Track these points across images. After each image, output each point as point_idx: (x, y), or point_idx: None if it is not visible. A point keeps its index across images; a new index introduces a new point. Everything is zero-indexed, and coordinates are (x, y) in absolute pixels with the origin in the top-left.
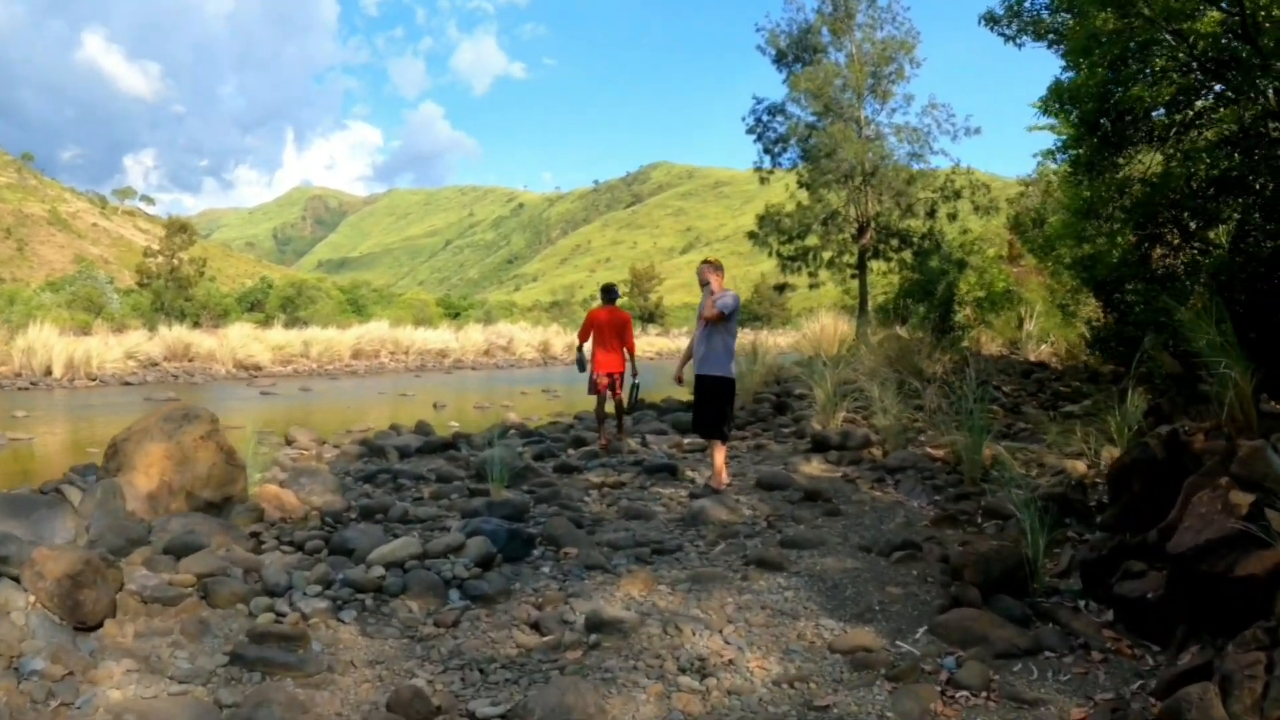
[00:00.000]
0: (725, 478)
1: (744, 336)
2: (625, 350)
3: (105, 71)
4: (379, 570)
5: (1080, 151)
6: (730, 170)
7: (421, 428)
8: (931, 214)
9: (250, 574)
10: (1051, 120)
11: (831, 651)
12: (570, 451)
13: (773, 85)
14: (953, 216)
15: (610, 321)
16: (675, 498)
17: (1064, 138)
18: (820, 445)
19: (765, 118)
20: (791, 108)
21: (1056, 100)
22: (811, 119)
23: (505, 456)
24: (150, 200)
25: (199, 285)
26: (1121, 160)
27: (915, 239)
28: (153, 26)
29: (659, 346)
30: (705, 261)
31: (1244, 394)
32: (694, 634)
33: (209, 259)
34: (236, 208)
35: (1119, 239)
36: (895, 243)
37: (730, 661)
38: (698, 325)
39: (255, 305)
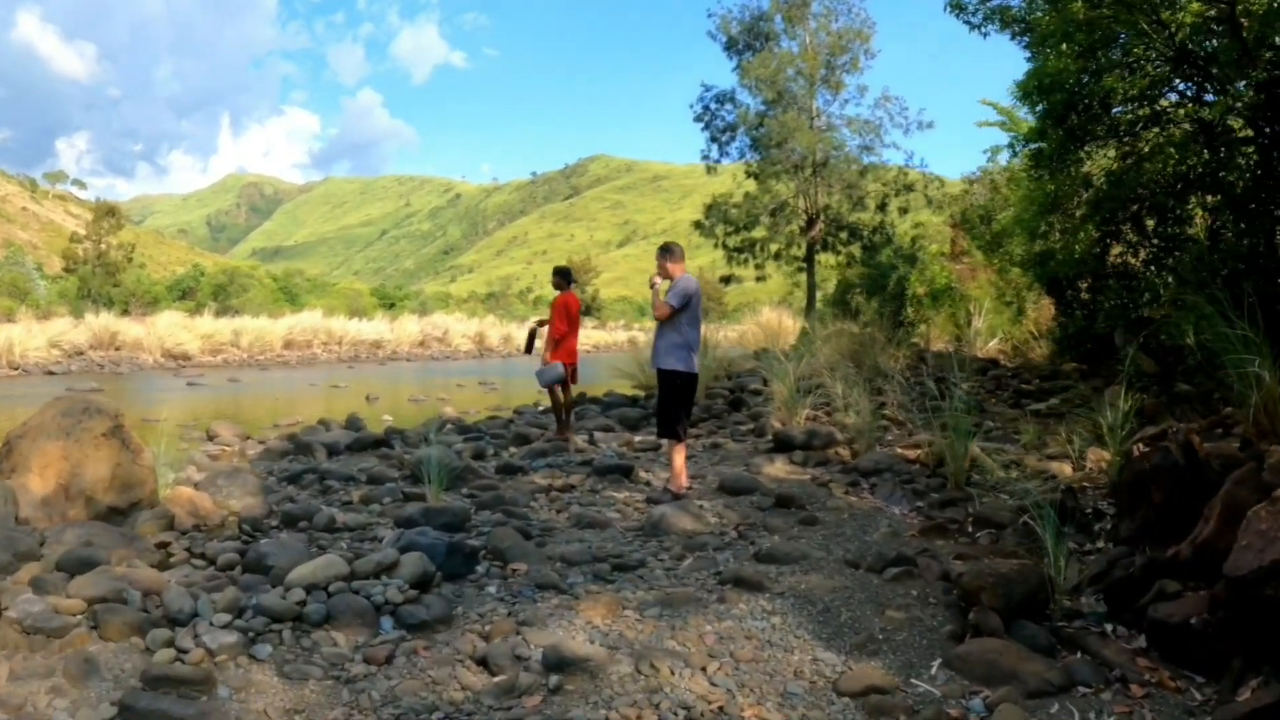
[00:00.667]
0: (685, 480)
1: None
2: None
3: (39, 52)
4: (299, 594)
5: (1044, 145)
6: (669, 164)
7: (352, 422)
8: (882, 207)
9: (151, 597)
10: (1001, 118)
11: (838, 694)
12: (512, 450)
13: (721, 74)
14: (904, 210)
15: (578, 310)
16: (632, 502)
17: (1015, 134)
18: (784, 445)
19: (713, 106)
20: (742, 95)
21: (1036, 88)
22: (762, 108)
23: (442, 456)
24: (82, 184)
25: (128, 272)
26: (1083, 155)
27: (865, 233)
28: (89, 7)
29: (596, 339)
30: (661, 250)
31: (1274, 394)
32: (673, 673)
33: (141, 246)
34: (170, 194)
35: (1080, 235)
36: (845, 236)
37: (721, 710)
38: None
39: (187, 293)
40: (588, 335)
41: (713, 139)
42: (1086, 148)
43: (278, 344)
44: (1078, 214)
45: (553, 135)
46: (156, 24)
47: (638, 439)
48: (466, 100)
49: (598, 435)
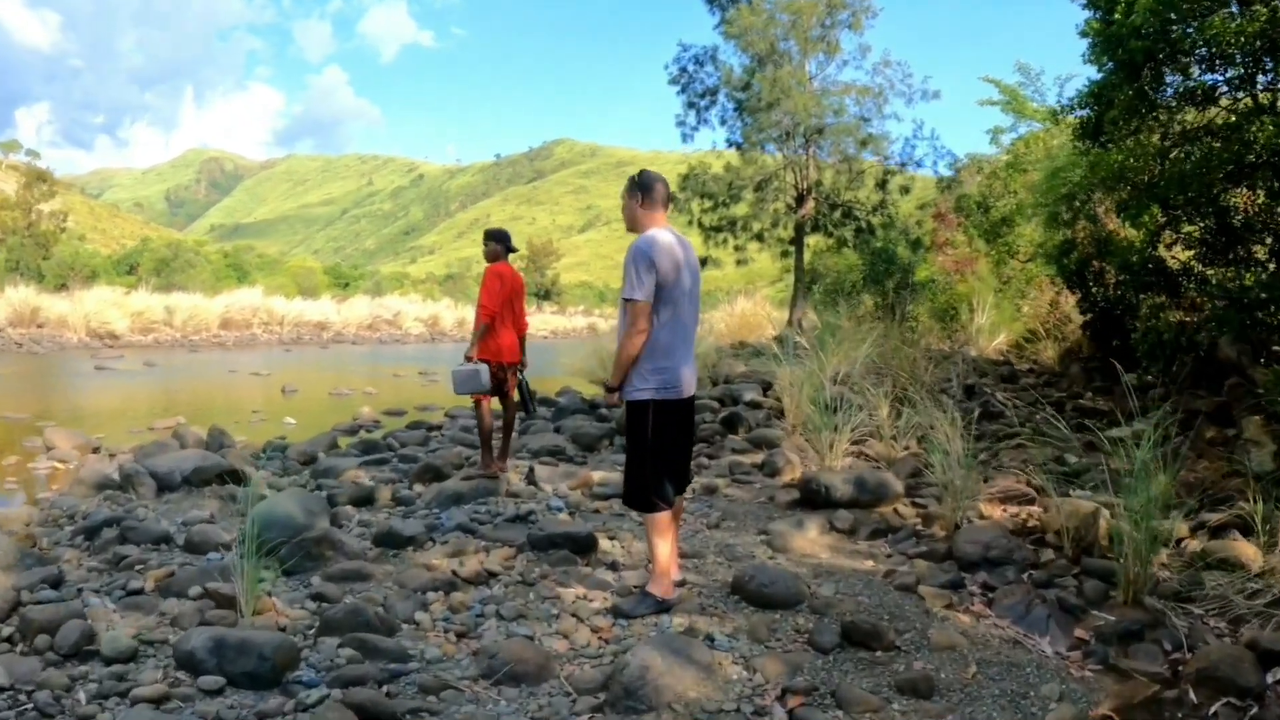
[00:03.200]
0: (675, 574)
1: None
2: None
3: (1, 20)
4: None
5: (1091, 112)
6: (633, 150)
7: (213, 438)
8: (882, 185)
9: None
10: (1004, 97)
11: None
12: (418, 487)
13: (700, 34)
14: (906, 190)
15: (517, 287)
16: (587, 613)
17: (1018, 115)
18: (816, 498)
19: (691, 68)
20: (725, 54)
21: (1105, 38)
22: (748, 63)
23: (291, 513)
24: (36, 155)
25: (65, 244)
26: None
27: (863, 213)
28: None
29: (554, 325)
30: (632, 185)
31: None
32: None
33: (95, 219)
34: (130, 168)
35: (1145, 218)
36: (838, 215)
37: None
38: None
39: (133, 269)
40: (544, 320)
41: (690, 104)
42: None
43: (214, 324)
44: (1156, 192)
45: (518, 118)
46: None
47: (598, 476)
48: (433, 80)
49: (540, 468)
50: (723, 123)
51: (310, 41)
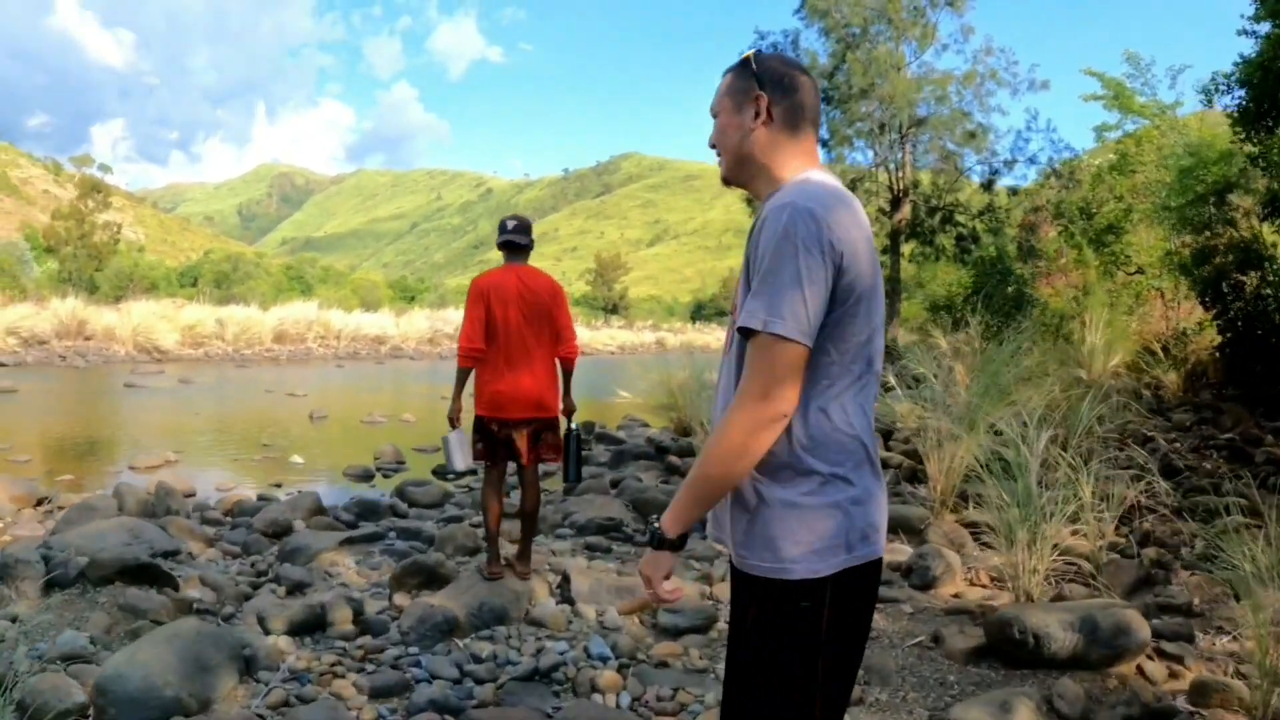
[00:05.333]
0: None
1: (709, 337)
2: (556, 359)
3: (77, 39)
4: None
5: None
6: (701, 164)
7: (160, 497)
8: (988, 185)
9: None
10: (1109, 91)
11: None
12: (399, 598)
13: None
14: (1014, 191)
15: (525, 298)
16: None
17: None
18: (1016, 651)
19: None
20: (807, 41)
21: None
22: (833, 50)
23: (158, 676)
24: (108, 169)
25: (124, 255)
26: None
27: (967, 220)
28: None
29: (621, 340)
30: (740, 70)
31: None
32: None
33: (165, 232)
34: (203, 182)
35: None
36: (936, 220)
37: None
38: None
39: (196, 281)
40: (610, 335)
41: None
42: None
43: (267, 337)
44: None
45: (586, 132)
46: (193, 12)
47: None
48: (501, 95)
49: (580, 575)
50: None
51: (380, 58)
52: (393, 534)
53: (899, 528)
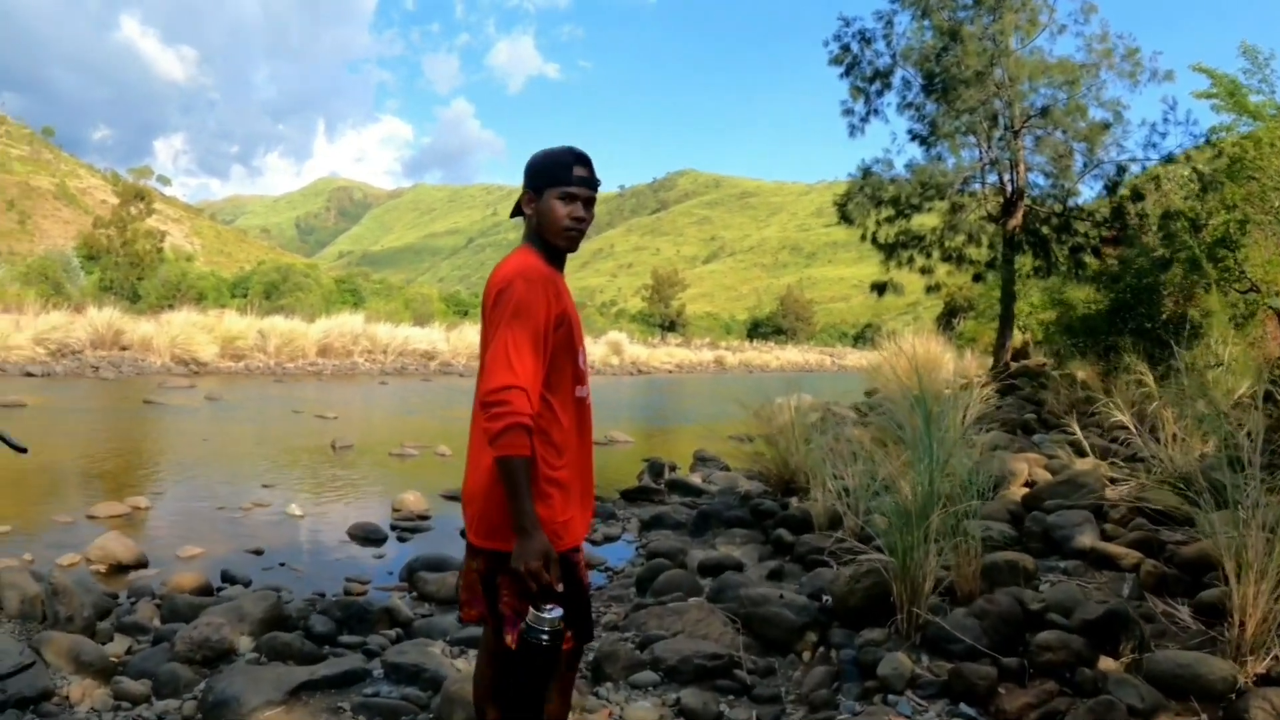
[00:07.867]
0: None
1: (767, 356)
2: None
3: (141, 54)
4: None
5: None
6: (757, 181)
7: (53, 594)
8: (1112, 188)
9: None
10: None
11: None
12: None
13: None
14: (1138, 196)
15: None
16: None
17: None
18: None
19: (856, 45)
20: (902, 20)
21: None
22: (941, 25)
23: None
24: (167, 180)
25: (172, 264)
26: None
27: (1091, 229)
28: (189, 10)
29: (680, 358)
30: None
31: None
32: None
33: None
34: (263, 195)
35: None
36: (1052, 227)
37: None
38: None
39: (247, 292)
40: (669, 354)
41: (856, 89)
42: None
43: (311, 350)
44: None
45: (641, 148)
46: (254, 28)
47: None
48: (557, 111)
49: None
50: (906, 106)
51: (438, 74)
52: (379, 671)
53: (1186, 689)
